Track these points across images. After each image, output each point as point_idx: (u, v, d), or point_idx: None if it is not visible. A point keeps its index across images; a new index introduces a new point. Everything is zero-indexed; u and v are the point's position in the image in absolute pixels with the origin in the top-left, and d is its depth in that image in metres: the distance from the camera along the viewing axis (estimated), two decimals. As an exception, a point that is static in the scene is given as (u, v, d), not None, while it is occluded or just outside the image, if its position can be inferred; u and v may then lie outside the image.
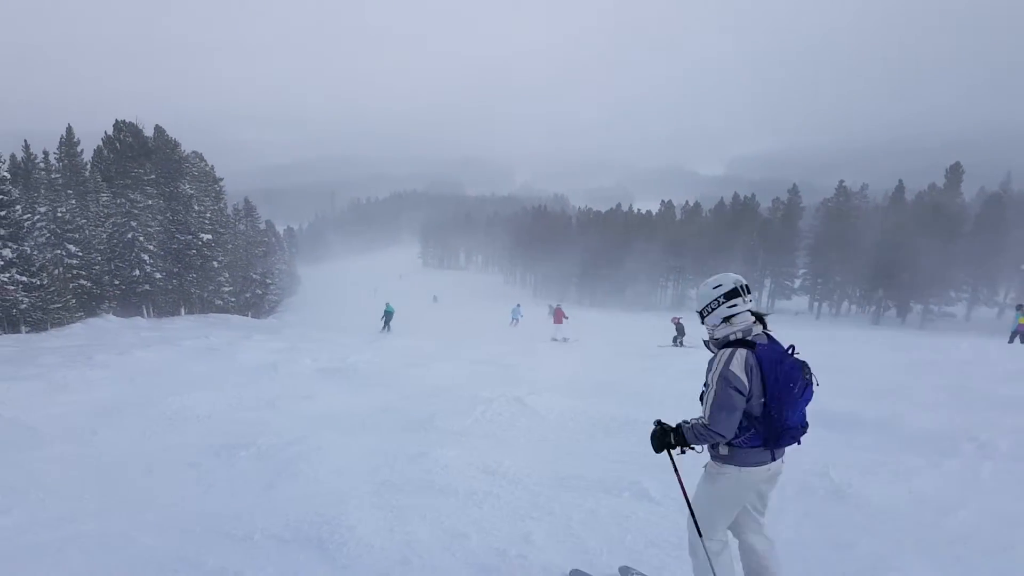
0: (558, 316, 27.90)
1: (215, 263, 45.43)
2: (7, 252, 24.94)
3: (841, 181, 63.09)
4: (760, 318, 3.20)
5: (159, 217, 39.64)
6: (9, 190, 25.97)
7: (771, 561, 3.27)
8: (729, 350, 3.00)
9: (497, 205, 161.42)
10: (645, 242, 73.61)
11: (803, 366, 3.05)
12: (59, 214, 31.17)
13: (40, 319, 27.28)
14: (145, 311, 37.98)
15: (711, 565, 3.18)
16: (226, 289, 48.73)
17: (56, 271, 29.49)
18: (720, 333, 3.19)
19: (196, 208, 43.40)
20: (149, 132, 43.73)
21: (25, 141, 34.50)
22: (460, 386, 11.31)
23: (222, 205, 54.89)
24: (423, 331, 28.27)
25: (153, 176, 40.42)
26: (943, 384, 10.30)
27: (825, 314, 60.91)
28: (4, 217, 25.51)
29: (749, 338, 3.07)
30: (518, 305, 38.78)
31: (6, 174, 26.38)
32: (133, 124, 43.35)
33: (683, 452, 3.24)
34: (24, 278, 25.86)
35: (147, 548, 4.77)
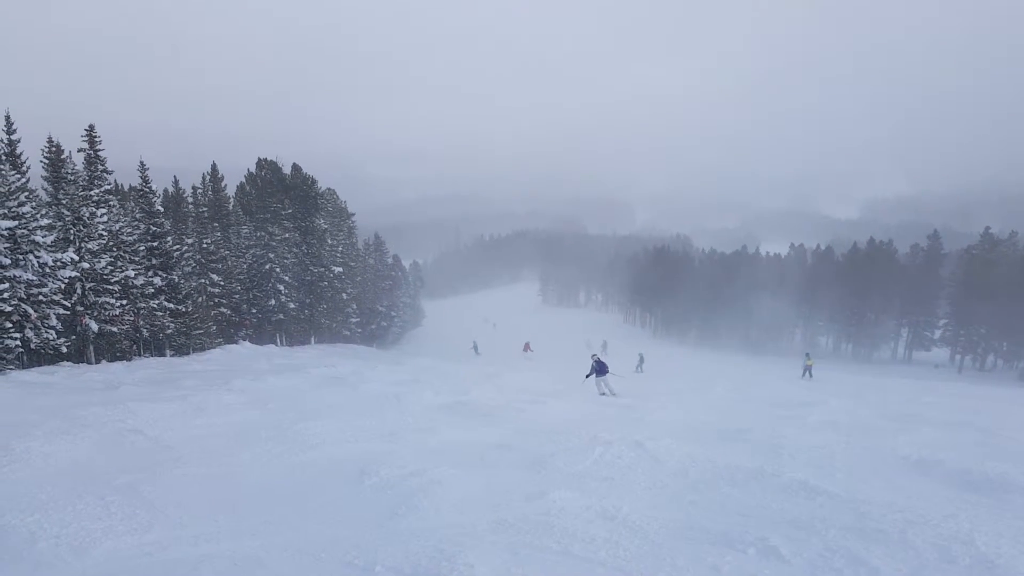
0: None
1: (344, 295, 47.24)
2: (157, 280, 26.60)
3: (987, 227, 60.31)
4: None
5: (295, 250, 41.61)
6: (162, 222, 27.87)
7: None
8: None
9: (618, 244, 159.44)
10: (773, 286, 72.08)
11: None
12: (204, 245, 33.21)
13: (183, 344, 28.92)
14: (278, 339, 39.72)
15: None
16: (353, 320, 50.53)
17: (200, 299, 31.31)
18: None
19: (329, 242, 45.43)
20: (288, 169, 46.25)
21: (175, 176, 37.21)
22: (578, 426, 11.25)
23: (353, 240, 57.32)
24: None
25: (290, 211, 42.55)
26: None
27: (968, 367, 56.70)
28: (157, 247, 27.35)
29: None
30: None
31: (159, 208, 28.33)
32: (273, 162, 46.24)
33: None
34: (171, 305, 27.50)
35: (275, 572, 4.90)
